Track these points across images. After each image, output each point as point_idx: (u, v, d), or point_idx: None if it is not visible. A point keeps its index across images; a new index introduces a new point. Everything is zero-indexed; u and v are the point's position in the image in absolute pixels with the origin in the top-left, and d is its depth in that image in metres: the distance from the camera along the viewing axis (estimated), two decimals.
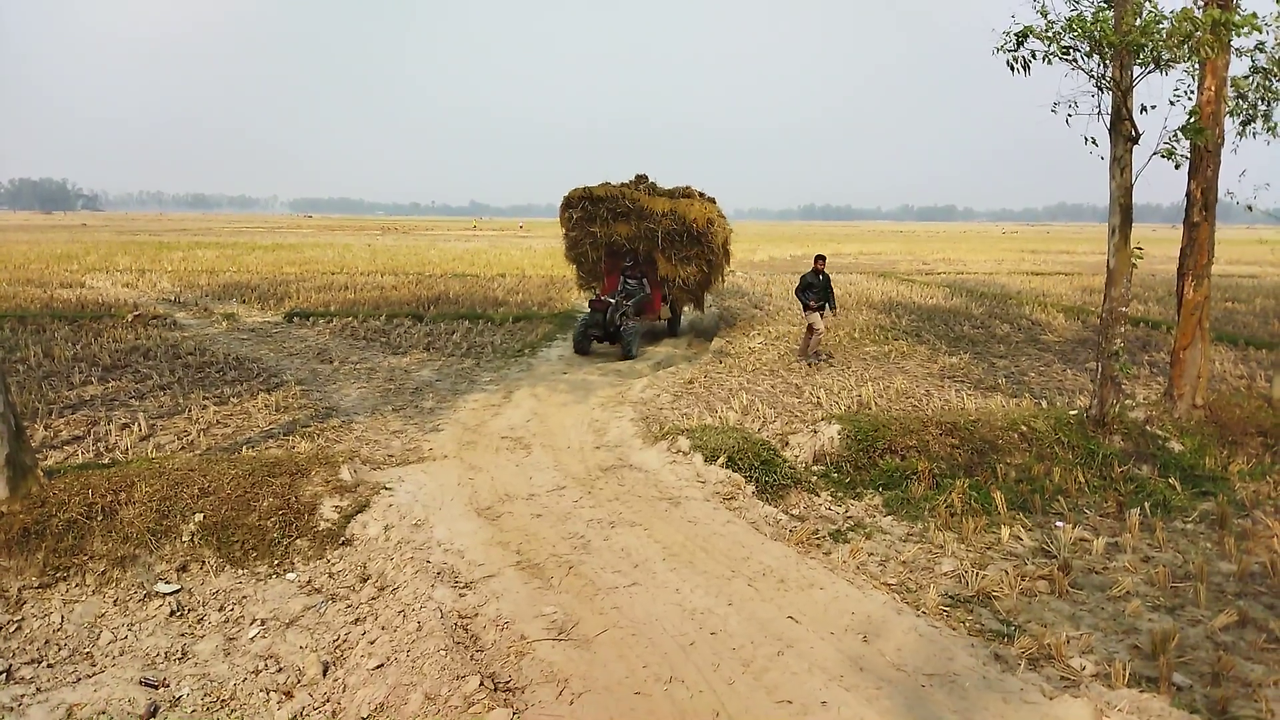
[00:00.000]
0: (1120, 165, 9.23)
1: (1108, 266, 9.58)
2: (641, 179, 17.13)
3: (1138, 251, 9.49)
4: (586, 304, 17.20)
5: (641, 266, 16.38)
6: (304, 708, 4.95)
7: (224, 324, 17.93)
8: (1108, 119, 9.23)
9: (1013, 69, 8.99)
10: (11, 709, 5.08)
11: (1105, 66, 8.86)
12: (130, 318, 17.60)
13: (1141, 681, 5.08)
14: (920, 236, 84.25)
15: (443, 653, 4.88)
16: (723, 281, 18.52)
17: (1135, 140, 9.20)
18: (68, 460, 8.36)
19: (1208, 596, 6.33)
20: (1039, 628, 5.75)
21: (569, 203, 16.62)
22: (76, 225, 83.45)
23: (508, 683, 4.55)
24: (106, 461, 8.15)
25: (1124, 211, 9.33)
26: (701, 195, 17.28)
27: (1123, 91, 8.93)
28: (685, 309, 18.52)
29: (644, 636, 5.03)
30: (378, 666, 5.00)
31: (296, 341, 15.96)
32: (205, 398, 11.19)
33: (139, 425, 9.67)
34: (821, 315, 14.19)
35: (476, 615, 5.38)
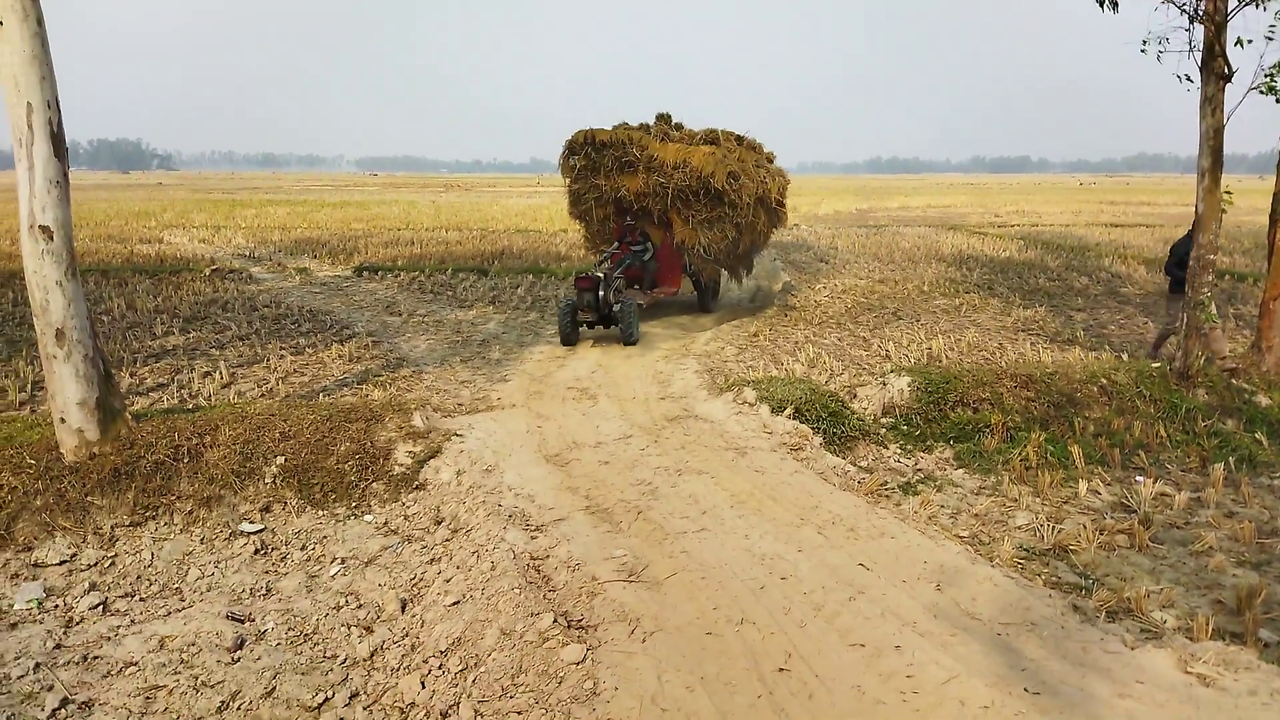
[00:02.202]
0: (1212, 105, 8.76)
1: (1195, 211, 9.15)
2: (664, 119, 14.46)
3: (1227, 196, 9.05)
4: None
5: (642, 228, 13.82)
6: (384, 641, 5.11)
7: (297, 278, 18.34)
8: (1199, 56, 8.76)
9: (1101, 4, 8.56)
10: (109, 638, 5.35)
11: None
12: (208, 271, 18.13)
13: (1226, 636, 4.93)
14: (992, 188, 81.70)
15: (516, 591, 4.98)
16: (766, 240, 15.55)
17: (1229, 78, 8.72)
18: (153, 406, 8.68)
19: None
20: (1118, 581, 5.62)
21: (571, 148, 13.96)
22: (152, 184, 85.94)
23: (580, 620, 4.63)
24: (191, 407, 8.45)
25: (1214, 154, 8.88)
26: (740, 140, 14.31)
27: (1216, 25, 8.45)
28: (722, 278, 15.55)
29: (714, 580, 5.05)
30: (454, 603, 5.12)
31: (366, 295, 16.27)
32: (282, 348, 11.51)
33: (220, 373, 10.00)
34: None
35: (548, 557, 5.47)
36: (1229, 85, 8.80)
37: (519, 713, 3.95)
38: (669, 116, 14.48)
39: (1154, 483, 7.38)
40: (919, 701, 3.84)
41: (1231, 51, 8.65)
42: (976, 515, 6.79)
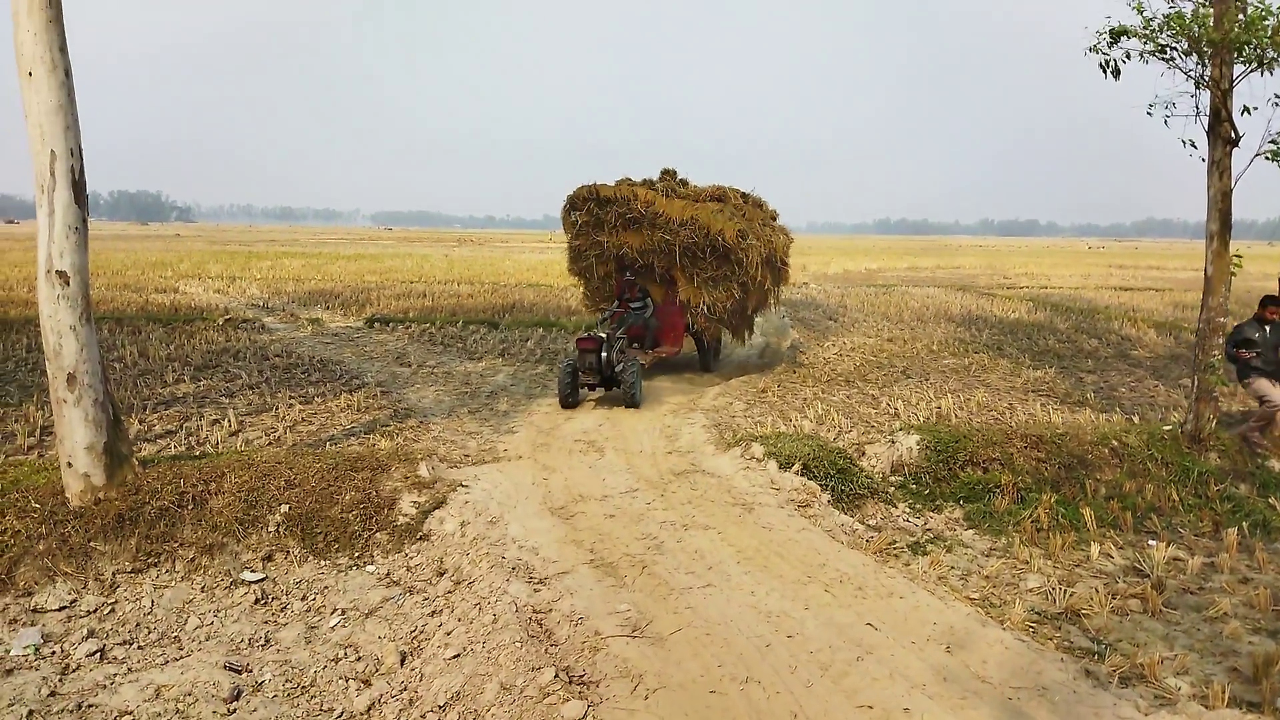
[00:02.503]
0: (1219, 169, 8.87)
1: (1205, 275, 9.19)
2: (669, 174, 14.03)
3: (1236, 260, 9.09)
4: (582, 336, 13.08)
5: (642, 285, 13.45)
6: (382, 695, 5.03)
7: (309, 328, 18.48)
8: (1206, 121, 8.88)
9: (1104, 71, 8.72)
10: (105, 686, 5.29)
11: (1204, 66, 8.53)
12: (221, 321, 18.28)
13: (1242, 705, 4.81)
14: (1001, 251, 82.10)
15: (518, 645, 4.90)
16: (775, 303, 15.63)
17: (1235, 143, 8.83)
18: (161, 453, 8.69)
19: None
20: (1131, 646, 5.51)
21: (573, 204, 13.55)
22: (170, 235, 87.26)
23: (582, 676, 4.54)
24: (198, 454, 8.45)
25: (1223, 217, 8.95)
26: (745, 197, 14.18)
27: (1223, 92, 8.59)
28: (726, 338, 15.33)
29: (719, 637, 4.97)
30: (454, 657, 5.05)
31: (376, 346, 16.35)
32: (291, 396, 11.54)
33: (229, 421, 10.02)
34: (1276, 384, 9.32)
35: (551, 610, 5.40)
36: (1236, 150, 8.91)
37: None
38: (674, 172, 14.12)
39: (1167, 547, 7.29)
40: None
41: (1238, 117, 8.78)
42: (987, 577, 6.70)
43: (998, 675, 4.59)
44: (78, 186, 6.40)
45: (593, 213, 13.29)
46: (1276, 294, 9.66)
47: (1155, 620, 6.05)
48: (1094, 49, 8.73)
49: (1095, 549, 7.20)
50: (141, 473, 7.08)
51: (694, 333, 13.86)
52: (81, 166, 6.44)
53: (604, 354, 11.23)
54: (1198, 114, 8.90)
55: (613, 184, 13.33)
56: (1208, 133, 8.93)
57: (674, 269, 13.12)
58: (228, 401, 11.22)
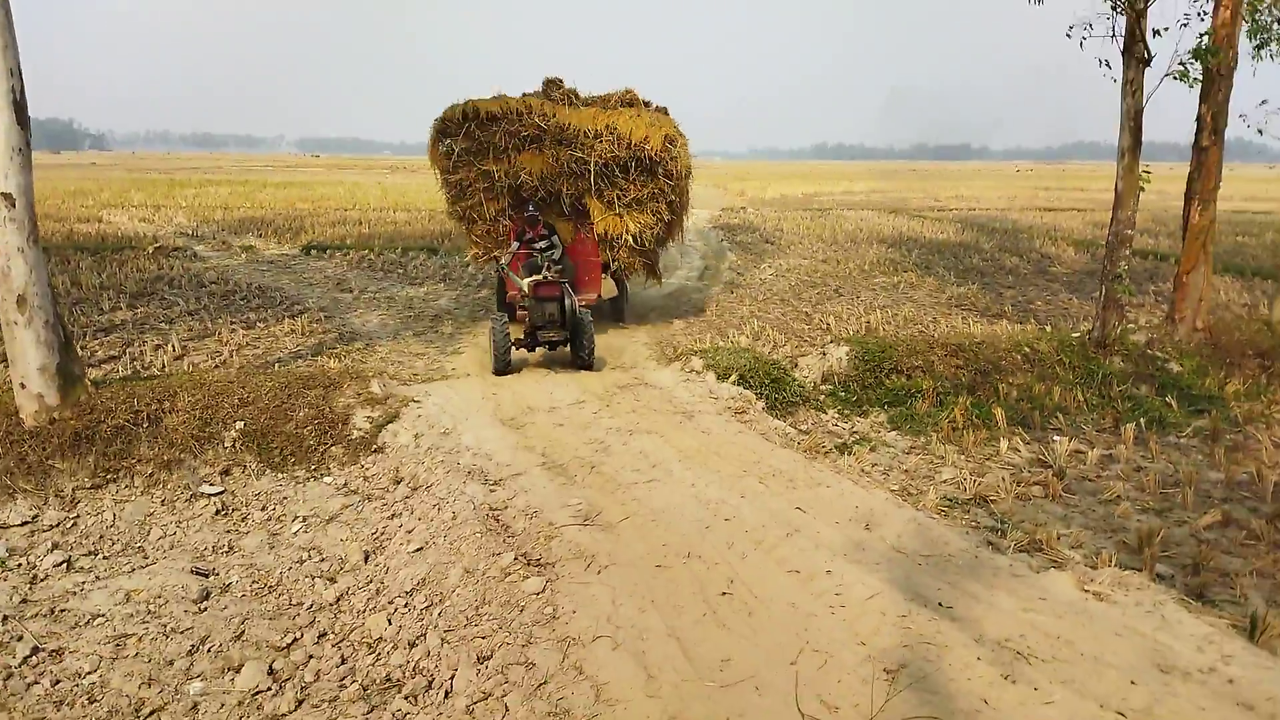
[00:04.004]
0: (1132, 88, 9.36)
1: (1115, 190, 9.76)
2: (555, 84, 11.63)
3: (1145, 175, 9.66)
4: (499, 292, 11.54)
5: (548, 220, 11.10)
6: (349, 588, 5.38)
7: (243, 256, 18.23)
8: (1121, 42, 9.33)
9: None
10: (75, 593, 5.52)
11: None
12: (151, 249, 17.91)
13: (1124, 568, 5.44)
14: (934, 174, 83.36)
15: (478, 536, 5.29)
16: (683, 235, 13.02)
17: (1147, 63, 9.32)
18: (108, 376, 8.74)
19: (1195, 501, 6.67)
20: (1032, 525, 6.11)
21: (445, 128, 11.07)
22: (86, 164, 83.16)
23: (539, 559, 4.96)
24: (145, 377, 8.53)
25: (1134, 135, 9.49)
26: (648, 105, 11.66)
27: (1136, 13, 9.03)
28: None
29: (663, 522, 5.43)
30: (417, 550, 5.41)
31: (315, 273, 16.28)
32: (233, 322, 11.56)
33: (172, 346, 10.05)
34: None
35: (506, 507, 5.78)
36: (1148, 70, 9.41)
37: (484, 637, 4.27)
38: (560, 81, 11.72)
39: (1070, 441, 7.94)
40: (846, 614, 4.27)
41: (1150, 39, 9.25)
42: (906, 471, 7.27)
43: (910, 546, 5.13)
44: (19, 107, 6.34)
45: (474, 136, 10.92)
46: None
47: (1055, 504, 6.69)
48: None
49: (1004, 444, 7.83)
50: (95, 393, 7.19)
51: (613, 273, 11.62)
52: (22, 87, 6.37)
53: (566, 301, 9.27)
54: (1114, 35, 9.35)
55: (492, 98, 11.04)
56: (1123, 53, 9.39)
57: (586, 195, 11.05)
58: (168, 328, 11.20)
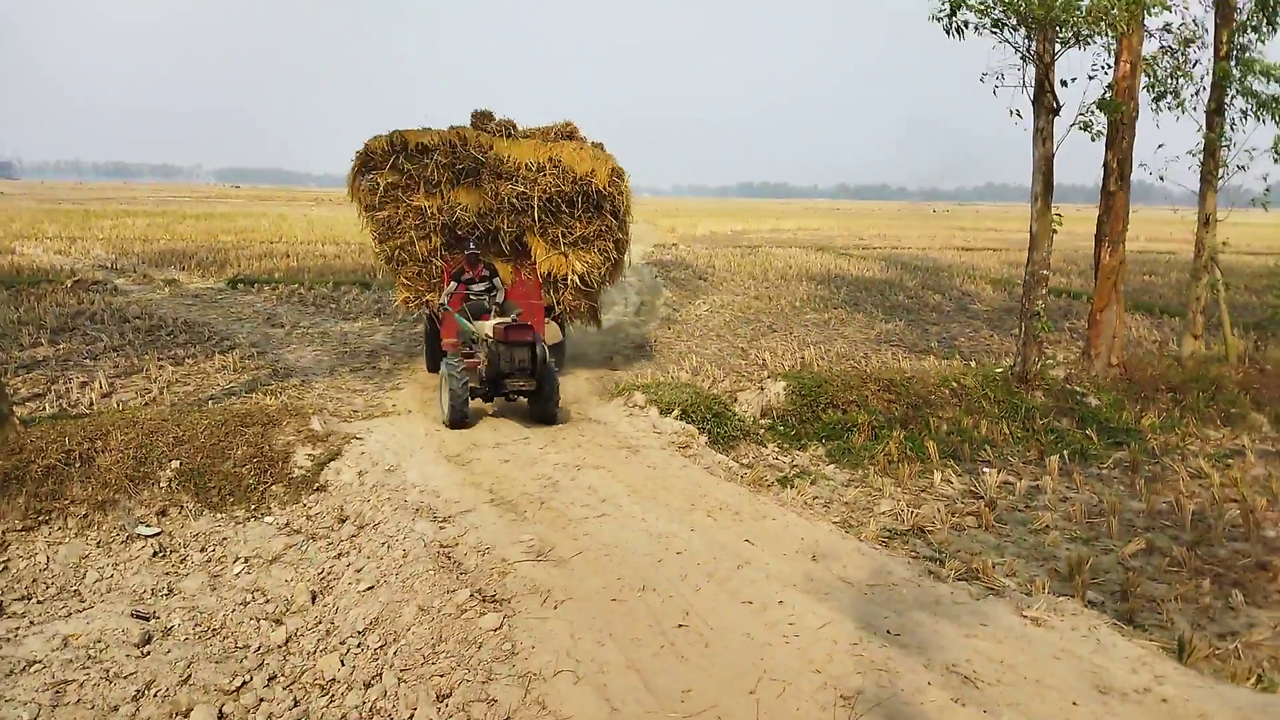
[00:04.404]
0: (1042, 136, 9.94)
1: (1030, 232, 10.31)
2: (485, 116, 10.98)
3: (1057, 218, 10.24)
4: (447, 333, 10.16)
5: (487, 260, 10.15)
6: (297, 629, 5.29)
7: (166, 289, 17.75)
8: (1031, 92, 9.92)
9: (948, 33, 9.56)
10: (8, 639, 5.31)
11: (1030, 40, 9.52)
12: (70, 283, 17.31)
13: (1057, 595, 5.73)
14: (856, 214, 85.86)
15: (431, 573, 5.28)
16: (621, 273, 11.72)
17: (1056, 112, 9.91)
18: (35, 414, 8.44)
19: (1119, 529, 7.06)
20: (968, 554, 6.38)
21: (368, 160, 10.25)
22: None
23: (495, 595, 4.98)
24: (74, 415, 8.27)
25: (1045, 180, 10.06)
26: (585, 141, 11.02)
27: (1045, 65, 9.62)
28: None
29: (615, 556, 5.50)
30: (368, 589, 5.37)
31: (244, 307, 15.96)
32: (161, 358, 11.26)
33: (99, 383, 9.75)
34: None
35: (458, 544, 5.78)
36: (1057, 118, 10.00)
37: (442, 675, 4.28)
38: (490, 114, 11.07)
39: (998, 473, 8.30)
40: (799, 642, 4.41)
41: (1058, 89, 9.85)
42: (846, 503, 7.51)
43: (856, 576, 5.32)
44: None
45: (402, 169, 10.16)
46: None
47: (988, 533, 7.00)
48: (935, 18, 9.58)
49: (938, 476, 8.15)
50: (23, 431, 6.96)
51: (556, 316, 10.87)
52: None
53: (539, 347, 8.52)
54: (1024, 85, 9.93)
55: (422, 129, 10.33)
56: (1033, 103, 9.98)
57: (528, 233, 10.42)
58: (93, 364, 10.86)
